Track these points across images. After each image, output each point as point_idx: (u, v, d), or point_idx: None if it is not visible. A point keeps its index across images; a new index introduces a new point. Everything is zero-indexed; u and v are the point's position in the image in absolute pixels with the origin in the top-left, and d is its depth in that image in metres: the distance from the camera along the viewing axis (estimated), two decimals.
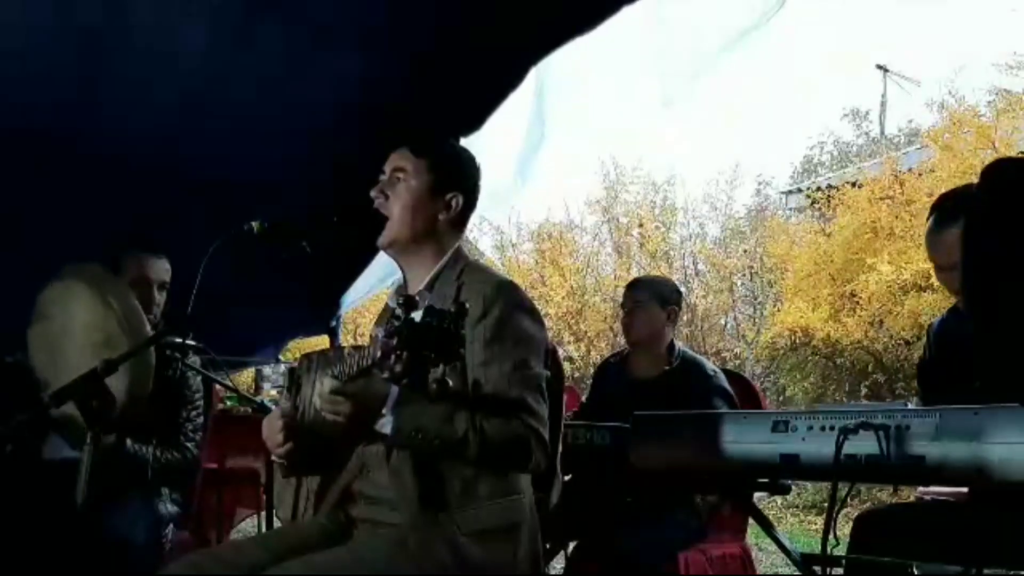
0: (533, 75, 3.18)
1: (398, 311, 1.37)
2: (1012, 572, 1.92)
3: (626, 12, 2.79)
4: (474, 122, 3.30)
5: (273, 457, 1.87)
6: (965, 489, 2.16)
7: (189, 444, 2.69)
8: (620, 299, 3.26)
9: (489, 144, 3.31)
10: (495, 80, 3.21)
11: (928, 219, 2.21)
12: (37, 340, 2.42)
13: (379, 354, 1.42)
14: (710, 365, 3.04)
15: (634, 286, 3.15)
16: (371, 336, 2.04)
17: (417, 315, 1.37)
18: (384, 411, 1.62)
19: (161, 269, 2.72)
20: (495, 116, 3.33)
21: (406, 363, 1.34)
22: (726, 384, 2.93)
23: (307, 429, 1.81)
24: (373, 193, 1.85)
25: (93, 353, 2.25)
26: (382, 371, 1.43)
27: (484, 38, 3.02)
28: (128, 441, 2.51)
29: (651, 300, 3.03)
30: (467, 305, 1.41)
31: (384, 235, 1.85)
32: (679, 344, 3.11)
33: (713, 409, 2.72)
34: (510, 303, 1.74)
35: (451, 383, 1.40)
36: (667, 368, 2.98)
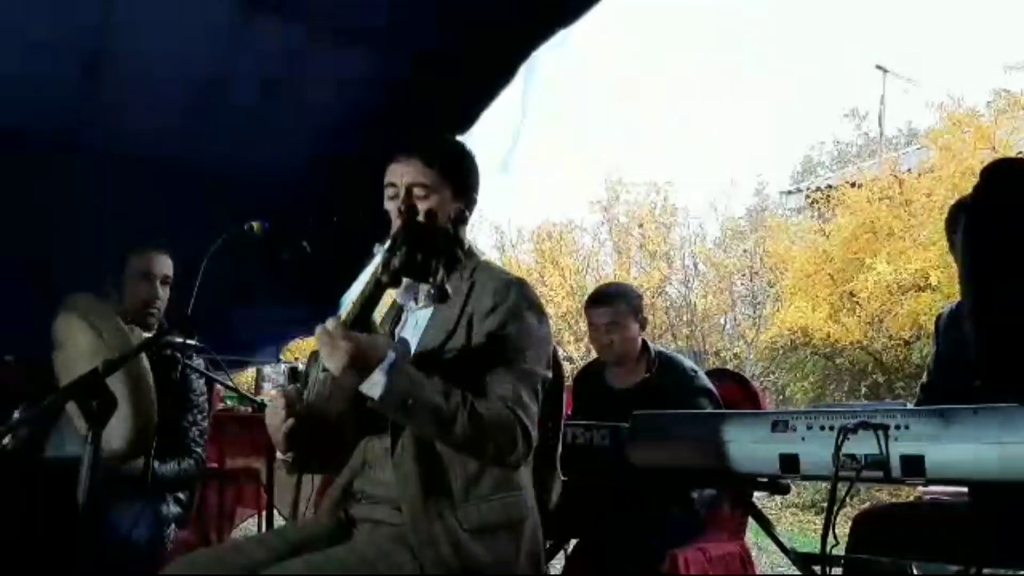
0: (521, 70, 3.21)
1: (399, 221, 1.39)
2: (1012, 572, 1.93)
3: (626, 16, 2.81)
4: (467, 121, 3.31)
5: (277, 454, 1.86)
6: (965, 489, 2.16)
7: (198, 449, 2.68)
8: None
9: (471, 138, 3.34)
10: (489, 78, 3.22)
11: (947, 231, 2.21)
12: (59, 367, 2.48)
13: (380, 267, 1.41)
14: (689, 364, 2.97)
15: (604, 301, 2.98)
16: (380, 326, 2.04)
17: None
18: (378, 372, 1.57)
19: (164, 264, 2.72)
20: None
21: (403, 258, 1.35)
22: (708, 383, 2.88)
23: (311, 419, 1.78)
24: (393, 214, 1.80)
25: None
26: (383, 276, 1.42)
27: (479, 37, 3.03)
28: (155, 463, 2.51)
29: (628, 316, 2.93)
30: (466, 213, 1.44)
31: None
32: (652, 345, 3.04)
33: (697, 409, 2.70)
34: (519, 299, 1.74)
35: (449, 291, 1.39)
36: (647, 375, 2.93)
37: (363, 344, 1.57)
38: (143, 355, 2.30)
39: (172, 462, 2.58)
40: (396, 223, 1.80)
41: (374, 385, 1.57)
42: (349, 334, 1.56)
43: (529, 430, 1.67)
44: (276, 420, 1.76)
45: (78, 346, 2.36)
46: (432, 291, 1.38)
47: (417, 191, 1.81)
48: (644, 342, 3.00)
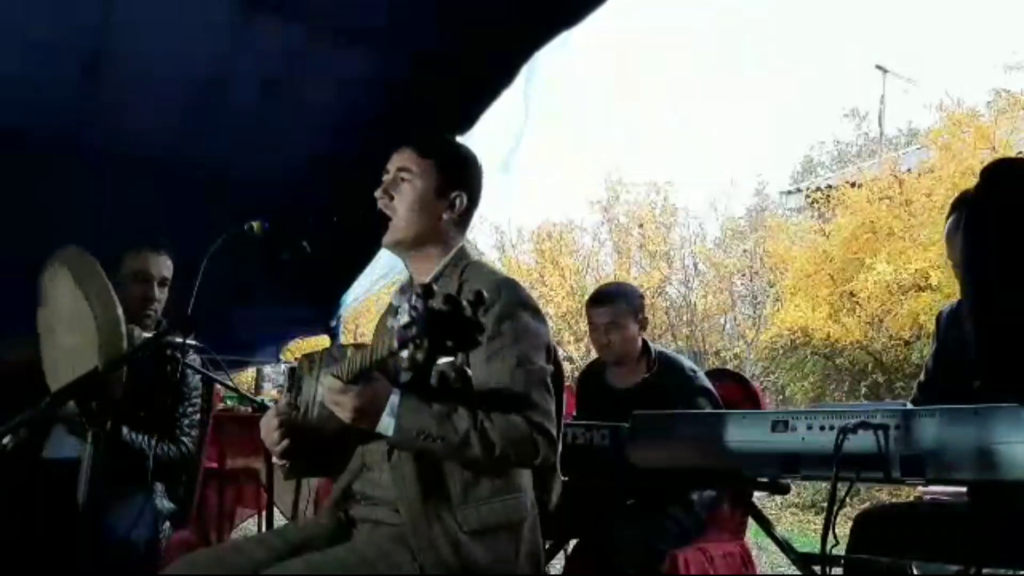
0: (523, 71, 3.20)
1: (415, 301, 1.34)
2: (1012, 572, 1.92)
3: (626, 17, 2.82)
4: (467, 121, 3.30)
5: (274, 460, 1.87)
6: (965, 489, 2.16)
7: (185, 439, 2.68)
8: None
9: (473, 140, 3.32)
10: (489, 79, 3.21)
11: (947, 219, 2.20)
12: (40, 324, 2.44)
13: (396, 344, 1.41)
14: (689, 364, 2.97)
15: (605, 301, 2.98)
16: (377, 329, 2.04)
17: (434, 303, 1.34)
18: (385, 415, 1.62)
19: (162, 265, 2.72)
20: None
21: (427, 351, 1.32)
22: (707, 383, 2.88)
23: (308, 429, 1.80)
24: (378, 194, 1.85)
25: (72, 333, 2.25)
26: (400, 361, 1.41)
27: (479, 37, 3.02)
28: (124, 429, 2.50)
29: (627, 316, 2.93)
30: (484, 294, 1.37)
31: (389, 235, 1.85)
32: (653, 345, 3.04)
33: (696, 409, 2.71)
34: (512, 300, 1.74)
35: (468, 371, 1.37)
36: (646, 375, 2.93)
37: (365, 395, 1.61)
38: (118, 305, 2.24)
39: (154, 440, 2.58)
40: (380, 203, 1.84)
41: (386, 427, 1.63)
42: (349, 388, 1.61)
43: (547, 430, 1.67)
44: (270, 437, 1.79)
45: (59, 299, 2.30)
46: (452, 374, 1.36)
47: (403, 174, 1.84)
48: (645, 342, 3.00)
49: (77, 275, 2.26)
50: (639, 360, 2.98)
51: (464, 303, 1.32)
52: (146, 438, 2.55)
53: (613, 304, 2.96)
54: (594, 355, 3.22)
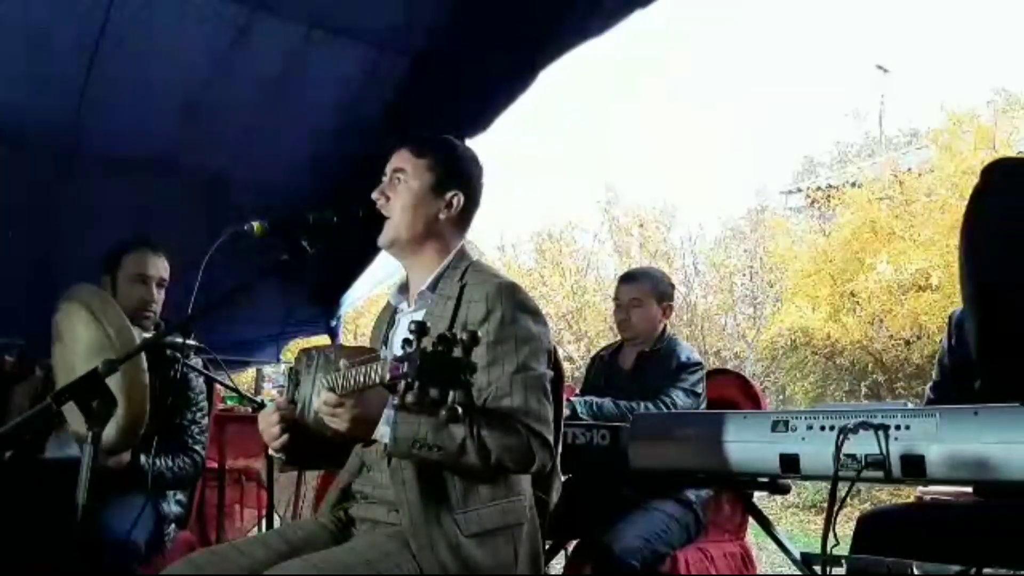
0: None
1: (410, 336, 1.33)
2: (1013, 572, 1.92)
3: (626, 18, 2.81)
4: (480, 123, 3.29)
5: (270, 451, 1.87)
6: (965, 489, 2.16)
7: (197, 447, 2.67)
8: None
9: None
10: (504, 82, 3.20)
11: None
12: (57, 361, 2.47)
13: (388, 376, 1.41)
14: (692, 356, 2.92)
15: (632, 280, 3.04)
16: (374, 332, 2.04)
17: (427, 341, 1.32)
18: (381, 424, 1.62)
19: (159, 266, 2.71)
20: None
21: (417, 395, 1.32)
22: (695, 378, 2.85)
23: (306, 424, 1.80)
24: (375, 195, 1.85)
25: (91, 364, 2.27)
26: (394, 401, 1.40)
27: (493, 40, 3.02)
28: (142, 457, 2.48)
29: (650, 296, 2.98)
30: (479, 335, 1.34)
31: (385, 235, 1.85)
32: (670, 332, 3.06)
33: (671, 391, 2.78)
34: (513, 304, 1.73)
35: (461, 412, 1.36)
36: (646, 350, 2.97)
37: (361, 407, 1.62)
38: (135, 337, 2.29)
39: (170, 458, 2.57)
40: (378, 204, 1.84)
41: (382, 436, 1.63)
42: (343, 401, 1.61)
43: (544, 437, 1.67)
44: (269, 432, 1.79)
45: (76, 337, 2.34)
46: (444, 415, 1.36)
47: (399, 175, 1.85)
48: (665, 331, 3.02)
49: (92, 310, 2.29)
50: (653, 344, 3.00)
51: (459, 339, 1.30)
52: (162, 460, 2.53)
53: (639, 282, 3.02)
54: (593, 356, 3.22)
